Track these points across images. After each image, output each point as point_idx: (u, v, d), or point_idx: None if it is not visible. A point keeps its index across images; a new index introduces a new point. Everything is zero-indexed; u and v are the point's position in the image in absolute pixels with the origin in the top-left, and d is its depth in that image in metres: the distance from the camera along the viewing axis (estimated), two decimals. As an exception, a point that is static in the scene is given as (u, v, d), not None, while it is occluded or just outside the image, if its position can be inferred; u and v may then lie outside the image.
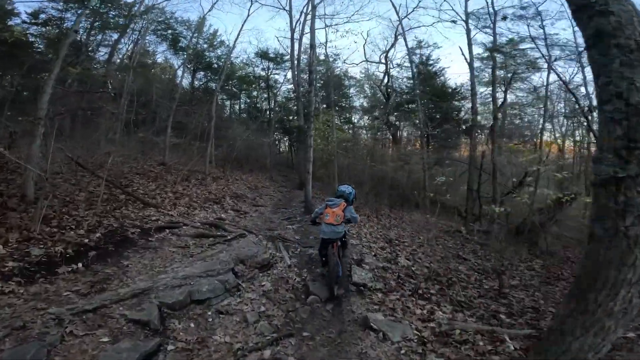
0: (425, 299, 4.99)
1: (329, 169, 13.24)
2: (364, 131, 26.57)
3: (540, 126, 9.69)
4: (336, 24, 16.95)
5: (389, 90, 20.52)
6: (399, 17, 15.86)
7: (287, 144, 31.32)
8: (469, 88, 22.36)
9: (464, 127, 19.35)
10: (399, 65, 21.37)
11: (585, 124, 11.42)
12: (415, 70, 20.22)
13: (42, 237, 4.76)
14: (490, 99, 23.75)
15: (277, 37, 25.23)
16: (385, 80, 20.58)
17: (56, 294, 3.68)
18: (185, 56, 20.59)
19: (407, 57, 20.44)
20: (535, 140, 22.43)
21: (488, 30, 10.83)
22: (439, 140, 20.31)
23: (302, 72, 17.48)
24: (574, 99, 10.38)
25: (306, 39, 17.19)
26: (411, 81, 21.00)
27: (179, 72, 23.53)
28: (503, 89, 10.76)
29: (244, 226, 7.28)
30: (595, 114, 9.77)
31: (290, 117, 24.91)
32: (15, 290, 3.57)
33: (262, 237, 6.70)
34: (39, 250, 4.43)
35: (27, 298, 3.49)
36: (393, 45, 19.63)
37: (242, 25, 17.49)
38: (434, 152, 16.15)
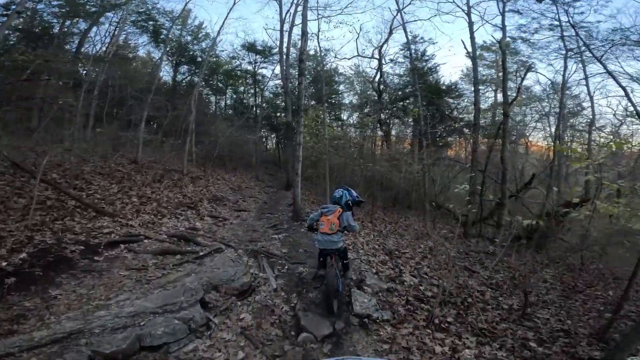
0: (443, 329, 4.13)
1: (319, 169, 12.18)
2: (353, 129, 25.65)
3: (555, 125, 8.93)
4: (329, 16, 15.79)
5: (382, 86, 19.61)
6: (398, 6, 14.88)
7: (274, 141, 30.18)
8: (465, 85, 22.05)
9: (456, 125, 18.60)
10: (392, 60, 20.46)
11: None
12: (410, 64, 19.50)
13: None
14: (485, 97, 23.59)
15: (265, 29, 24.01)
16: (378, 76, 19.66)
17: None
18: (167, 48, 19.27)
19: (400, 53, 19.76)
20: (526, 140, 22.06)
21: (496, 21, 10.01)
22: (431, 140, 19.53)
23: (291, 66, 16.36)
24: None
25: (297, 30, 16.06)
26: (404, 78, 20.27)
27: (162, 64, 22.12)
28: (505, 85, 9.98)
29: (221, 238, 6.17)
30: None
31: (278, 114, 23.76)
32: None
33: (243, 251, 5.61)
34: None
35: None
36: (387, 39, 18.70)
37: (227, 14, 16.25)
38: (427, 152, 15.34)
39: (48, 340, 2.74)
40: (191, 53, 21.24)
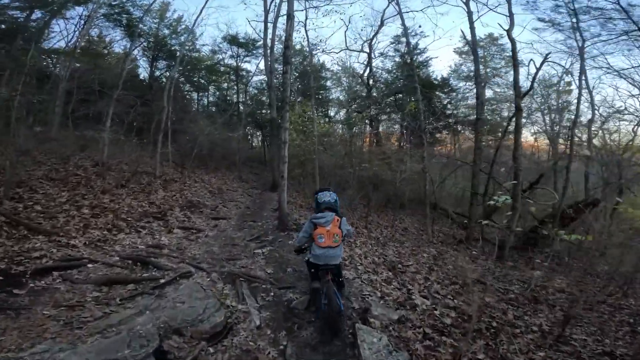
0: (478, 373, 3.20)
1: (307, 169, 11.15)
2: (341, 126, 24.75)
3: (587, 121, 8.16)
4: (316, 6, 14.68)
5: (371, 81, 18.74)
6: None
7: (260, 139, 28.97)
8: (453, 80, 21.39)
9: (450, 121, 17.91)
10: (382, 54, 19.59)
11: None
12: (401, 58, 18.68)
13: None
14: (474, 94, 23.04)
15: (248, 20, 22.68)
16: (367, 71, 18.79)
17: None
18: (140, 41, 17.88)
19: (391, 46, 18.91)
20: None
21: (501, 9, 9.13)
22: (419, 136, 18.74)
23: (276, 61, 15.21)
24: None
25: (283, 20, 14.89)
26: (394, 72, 19.43)
27: (137, 58, 20.64)
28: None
29: (191, 257, 5.06)
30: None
31: (263, 111, 22.56)
32: None
33: (217, 275, 4.54)
34: None
35: None
36: (378, 31, 17.85)
37: (206, 1, 14.91)
38: (418, 149, 14.55)
39: None
40: (170, 48, 19.85)
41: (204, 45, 29.67)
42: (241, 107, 22.54)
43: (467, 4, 10.56)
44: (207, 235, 6.32)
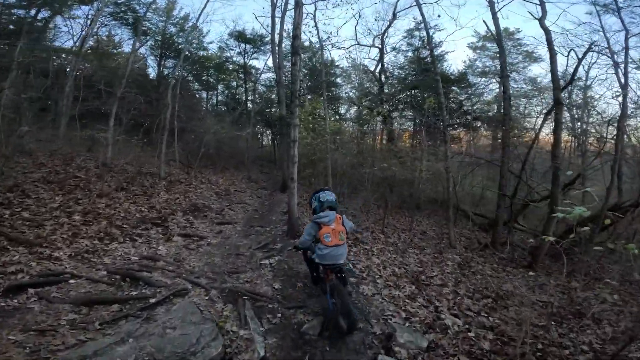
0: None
1: (318, 168, 10.54)
2: (352, 123, 24.11)
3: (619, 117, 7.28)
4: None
5: (383, 77, 17.99)
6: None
7: (270, 137, 28.50)
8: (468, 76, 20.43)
9: (469, 117, 17.04)
10: (394, 49, 18.80)
11: None
12: (414, 53, 17.87)
13: None
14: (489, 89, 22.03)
15: (255, 15, 22.12)
16: (379, 67, 18.03)
17: None
18: (145, 40, 17.57)
19: (404, 40, 18.12)
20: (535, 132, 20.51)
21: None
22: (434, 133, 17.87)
23: (285, 58, 14.63)
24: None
25: (290, 15, 14.30)
26: (406, 68, 18.64)
27: (150, 60, 20.44)
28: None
29: (189, 270, 4.51)
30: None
31: (273, 109, 22.05)
32: None
33: (217, 293, 3.97)
34: None
35: None
36: (390, 24, 17.05)
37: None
38: (434, 147, 13.79)
39: None
40: (177, 46, 19.52)
41: (210, 43, 29.39)
42: (250, 105, 22.07)
43: (489, -7, 9.79)
44: (209, 244, 5.77)
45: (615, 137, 7.72)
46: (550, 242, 6.62)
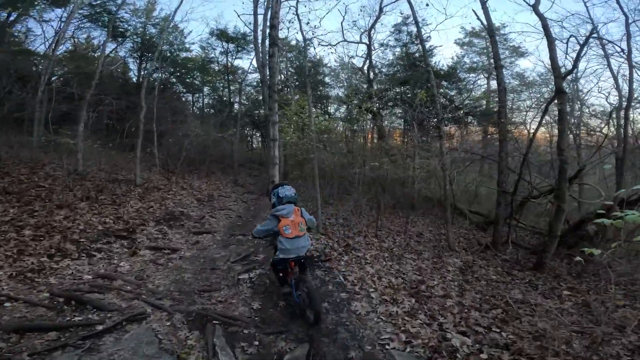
0: None
1: (306, 170, 9.94)
2: (342, 123, 23.62)
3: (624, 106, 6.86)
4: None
5: (372, 74, 17.51)
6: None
7: (260, 139, 27.84)
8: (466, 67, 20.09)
9: (460, 112, 16.64)
10: (382, 45, 18.32)
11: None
12: (402, 48, 17.44)
13: None
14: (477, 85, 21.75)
15: (236, 12, 21.36)
16: (367, 63, 17.52)
17: None
18: (120, 41, 16.78)
19: (392, 36, 17.66)
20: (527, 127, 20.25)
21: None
22: (426, 129, 17.41)
23: (271, 57, 13.96)
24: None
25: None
26: (395, 65, 18.18)
27: (130, 62, 19.56)
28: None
29: (151, 290, 3.86)
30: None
31: (261, 110, 21.38)
32: None
33: (182, 317, 3.34)
34: None
35: None
36: (377, 19, 16.60)
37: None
38: (425, 143, 13.30)
39: None
40: (155, 45, 18.74)
41: (192, 44, 28.65)
42: (236, 107, 21.40)
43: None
44: (182, 257, 5.10)
45: (617, 128, 7.28)
46: (557, 240, 6.16)
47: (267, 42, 13.36)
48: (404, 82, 15.64)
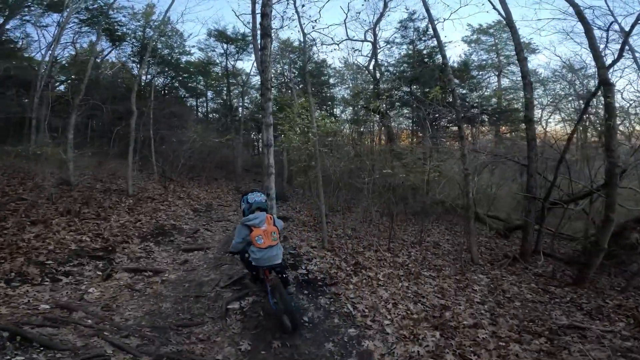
0: None
1: (310, 176, 9.21)
2: (348, 125, 22.91)
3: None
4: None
5: (378, 73, 16.78)
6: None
7: (265, 144, 27.20)
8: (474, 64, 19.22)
9: (476, 111, 15.74)
10: (387, 42, 17.55)
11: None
12: (410, 45, 16.67)
13: None
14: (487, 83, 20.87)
15: (234, 11, 20.80)
16: (373, 62, 16.80)
17: None
18: (119, 44, 16.38)
19: (398, 33, 16.89)
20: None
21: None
22: (437, 130, 16.56)
23: (274, 60, 13.38)
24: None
25: (277, 7, 13.00)
26: (402, 61, 17.41)
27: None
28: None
29: (117, 324, 3.16)
30: None
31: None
32: None
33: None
34: None
35: None
36: (382, 14, 15.87)
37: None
38: (437, 144, 12.45)
39: None
40: (160, 52, 18.37)
41: (193, 46, 28.33)
42: (240, 111, 20.89)
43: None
44: (164, 280, 4.40)
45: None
46: (604, 254, 5.30)
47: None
48: (413, 80, 14.86)
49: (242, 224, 3.42)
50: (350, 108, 22.76)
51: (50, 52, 13.84)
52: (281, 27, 9.70)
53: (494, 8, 8.37)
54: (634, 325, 4.32)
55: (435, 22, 8.35)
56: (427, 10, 7.78)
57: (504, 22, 7.74)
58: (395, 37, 17.27)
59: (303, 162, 9.59)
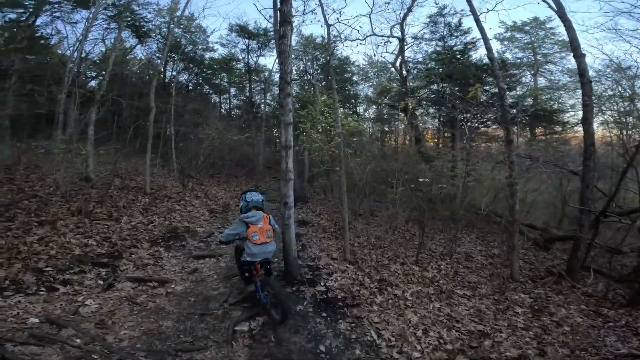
0: None
1: (332, 178, 8.67)
2: (371, 124, 22.18)
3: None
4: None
5: (404, 70, 15.98)
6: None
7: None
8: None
9: (514, 111, 14.68)
10: (415, 38, 16.71)
11: None
12: (440, 41, 15.79)
13: None
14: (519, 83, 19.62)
15: (255, 5, 20.48)
16: (400, 59, 16.00)
17: None
18: (144, 41, 16.52)
19: (427, 29, 16.05)
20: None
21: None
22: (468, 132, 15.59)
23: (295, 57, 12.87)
24: None
25: (295, 5, 12.49)
26: (432, 58, 16.54)
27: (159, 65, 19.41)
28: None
29: (109, 345, 2.80)
30: None
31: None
32: None
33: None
34: None
35: None
36: (409, 10, 15.06)
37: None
38: (462, 148, 11.57)
39: None
40: (185, 50, 18.44)
41: (216, 42, 28.41)
42: (262, 107, 20.71)
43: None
44: (170, 292, 4.02)
45: None
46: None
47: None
48: (446, 77, 14.03)
49: (241, 220, 3.61)
50: (374, 107, 22.10)
51: (78, 48, 14.10)
52: (303, 21, 9.20)
53: (544, 0, 7.49)
54: None
55: (463, 25, 7.60)
56: (469, 1, 7.05)
57: (556, 15, 6.89)
58: (424, 33, 16.43)
59: (325, 164, 9.07)
